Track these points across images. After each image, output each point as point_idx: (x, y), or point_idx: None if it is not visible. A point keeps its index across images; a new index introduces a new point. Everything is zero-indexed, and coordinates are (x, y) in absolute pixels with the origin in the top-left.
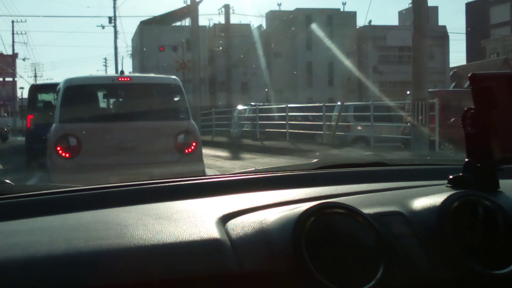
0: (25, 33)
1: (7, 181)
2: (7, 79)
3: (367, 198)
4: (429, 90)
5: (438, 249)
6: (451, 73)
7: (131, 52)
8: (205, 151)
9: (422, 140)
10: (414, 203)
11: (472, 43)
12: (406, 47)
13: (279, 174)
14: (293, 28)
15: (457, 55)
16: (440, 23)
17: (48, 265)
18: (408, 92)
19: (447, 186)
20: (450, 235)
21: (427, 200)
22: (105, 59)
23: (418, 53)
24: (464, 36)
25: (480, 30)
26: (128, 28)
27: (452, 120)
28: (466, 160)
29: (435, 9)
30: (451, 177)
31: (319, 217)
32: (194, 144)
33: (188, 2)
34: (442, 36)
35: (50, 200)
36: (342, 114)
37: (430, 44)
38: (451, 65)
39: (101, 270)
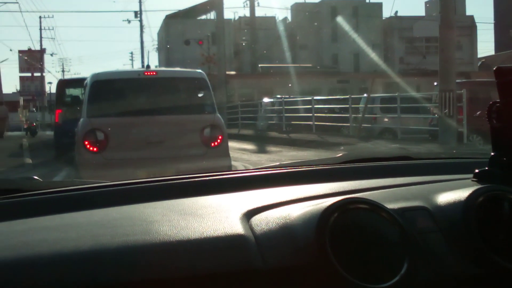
0: (53, 29)
1: (35, 177)
2: (35, 74)
3: (391, 193)
4: (457, 81)
5: (463, 245)
6: (479, 63)
7: (157, 46)
8: (231, 144)
9: (450, 131)
10: (439, 197)
11: (501, 33)
12: (433, 38)
13: (304, 168)
14: (316, 23)
15: (486, 45)
16: (468, 12)
17: (75, 261)
18: (435, 83)
19: (472, 181)
20: (475, 230)
21: (452, 194)
22: (131, 53)
23: (445, 44)
24: (492, 26)
25: (509, 20)
26: (154, 22)
27: (478, 112)
28: (492, 154)
29: None
30: (476, 171)
31: (343, 213)
32: (220, 137)
33: None
34: (470, 26)
35: (77, 196)
36: (368, 106)
37: (458, 35)
38: (479, 55)
39: (127, 266)
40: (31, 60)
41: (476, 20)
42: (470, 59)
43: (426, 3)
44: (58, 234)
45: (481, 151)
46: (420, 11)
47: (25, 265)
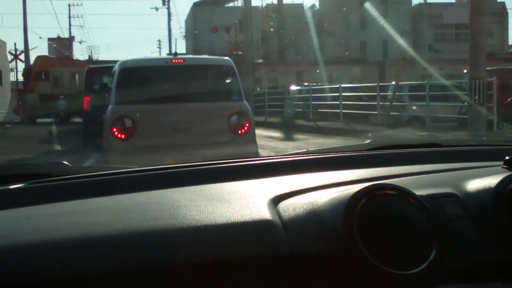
0: (81, 16)
1: (65, 162)
2: None
3: (420, 180)
4: (487, 68)
5: (493, 231)
6: (510, 50)
7: (184, 33)
8: (258, 131)
9: (480, 119)
10: (468, 184)
11: None
12: (463, 25)
13: (331, 155)
14: (344, 8)
15: None
16: None
17: (104, 245)
18: (465, 71)
19: (503, 168)
20: (505, 217)
21: (481, 181)
22: (159, 41)
23: (476, 30)
24: None
25: None
26: (182, 10)
27: (509, 99)
28: None
29: None
30: (507, 158)
31: (371, 199)
32: (247, 125)
33: None
34: (501, 12)
35: (105, 181)
36: (396, 93)
37: (488, 21)
38: (510, 42)
39: (155, 251)
40: (60, 47)
41: (508, 6)
42: (501, 46)
43: None
44: (87, 218)
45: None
46: None
47: (54, 248)
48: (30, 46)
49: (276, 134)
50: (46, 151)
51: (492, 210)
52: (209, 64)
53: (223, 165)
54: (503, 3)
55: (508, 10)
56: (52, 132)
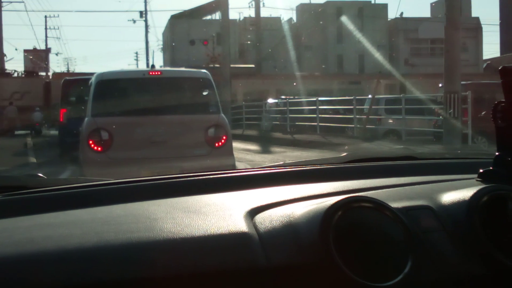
0: (58, 28)
1: (40, 174)
2: (40, 73)
3: (395, 192)
4: (462, 82)
5: (467, 244)
6: (484, 65)
7: (162, 46)
8: (236, 144)
9: (455, 133)
10: (443, 197)
11: (506, 34)
12: (438, 39)
13: (308, 168)
14: (321, 22)
15: (491, 47)
16: (474, 14)
17: (79, 258)
18: (440, 85)
19: (477, 180)
20: (479, 230)
21: (456, 194)
22: (136, 53)
23: (451, 45)
24: (497, 28)
25: None
26: (159, 22)
27: (483, 113)
28: (497, 154)
29: (468, 0)
30: (481, 171)
31: (347, 211)
32: (224, 137)
33: None
34: (476, 27)
35: (81, 193)
36: (373, 107)
37: (463, 36)
38: (485, 57)
39: (130, 263)
40: (36, 59)
41: (482, 21)
42: (476, 60)
43: (431, 4)
44: (63, 231)
45: (486, 152)
46: (426, 12)
47: (29, 261)
48: (6, 57)
49: (253, 147)
50: (21, 163)
51: (467, 222)
52: (186, 76)
53: (200, 177)
54: (477, 18)
55: (482, 25)
56: (27, 144)
